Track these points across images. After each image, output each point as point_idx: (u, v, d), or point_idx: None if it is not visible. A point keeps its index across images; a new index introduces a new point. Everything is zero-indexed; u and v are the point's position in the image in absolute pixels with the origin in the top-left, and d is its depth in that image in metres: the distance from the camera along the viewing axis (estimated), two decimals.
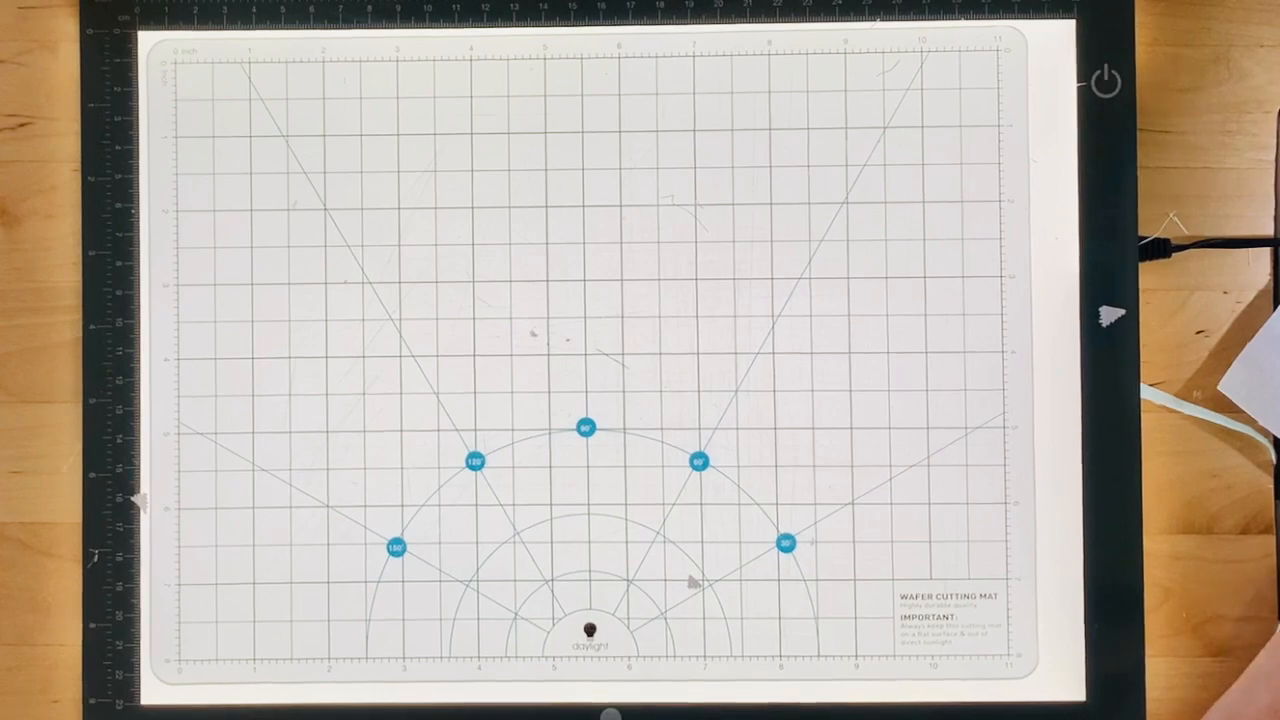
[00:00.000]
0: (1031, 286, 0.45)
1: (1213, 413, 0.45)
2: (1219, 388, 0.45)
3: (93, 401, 0.46)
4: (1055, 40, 0.45)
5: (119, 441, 0.46)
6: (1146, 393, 0.45)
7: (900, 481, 0.45)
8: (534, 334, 0.46)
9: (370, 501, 0.46)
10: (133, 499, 0.46)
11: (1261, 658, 0.42)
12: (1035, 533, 0.45)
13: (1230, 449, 0.46)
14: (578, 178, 0.46)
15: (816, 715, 0.45)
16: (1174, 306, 0.46)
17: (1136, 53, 0.45)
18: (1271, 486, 0.45)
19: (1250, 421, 0.45)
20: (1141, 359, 0.45)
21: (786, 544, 0.45)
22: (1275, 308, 0.45)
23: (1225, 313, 0.46)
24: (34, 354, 0.47)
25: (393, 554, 0.46)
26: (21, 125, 0.47)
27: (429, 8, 0.46)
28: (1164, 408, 0.45)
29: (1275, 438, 0.45)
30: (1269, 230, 0.46)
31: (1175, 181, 0.46)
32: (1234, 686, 0.42)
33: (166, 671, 0.46)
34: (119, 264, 0.46)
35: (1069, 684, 0.45)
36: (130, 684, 0.46)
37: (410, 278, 0.46)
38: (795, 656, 0.45)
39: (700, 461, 0.45)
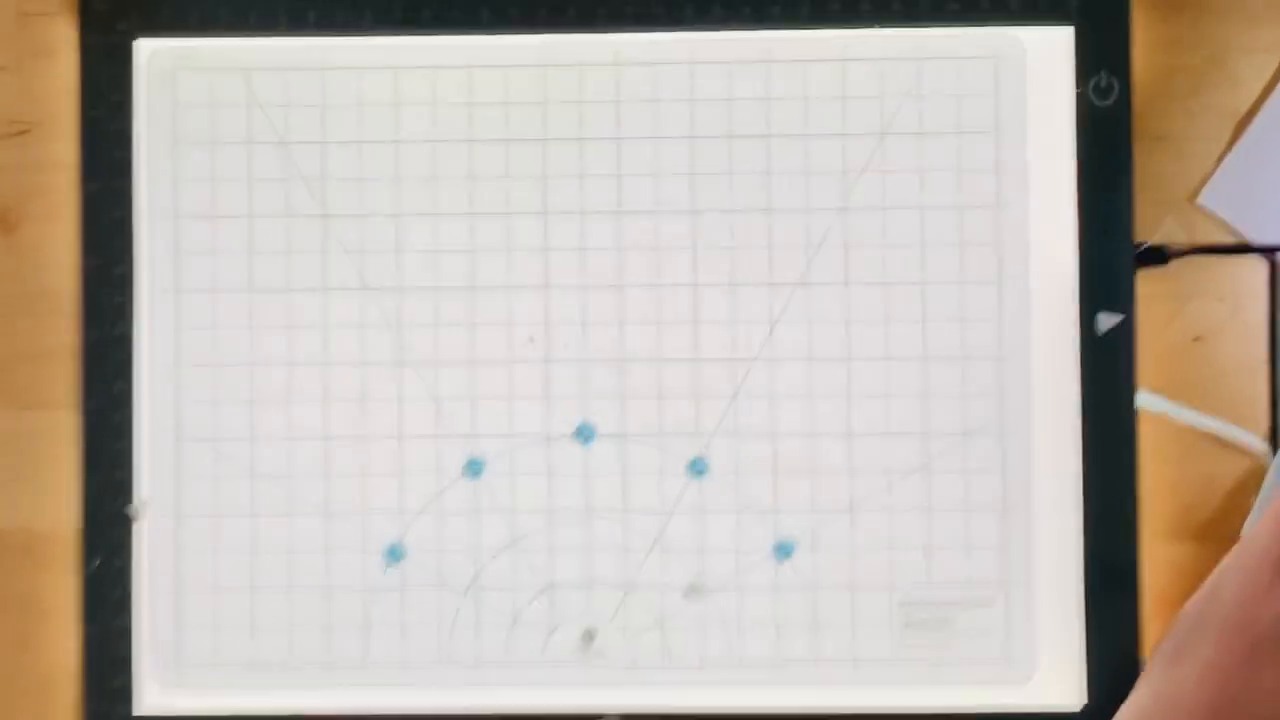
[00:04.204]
0: (1029, 292, 0.45)
1: (1209, 419, 0.45)
2: (1197, 202, 0.44)
3: (91, 407, 0.46)
4: (1052, 47, 0.46)
5: (117, 447, 0.46)
6: (1141, 399, 0.45)
7: (898, 487, 0.45)
8: (532, 340, 0.46)
9: (369, 508, 0.46)
10: (131, 505, 0.46)
11: (1227, 558, 0.41)
12: (1032, 538, 0.45)
13: (1227, 454, 0.46)
14: (576, 184, 0.46)
15: None
16: (1170, 313, 0.46)
17: (1133, 59, 0.45)
18: None
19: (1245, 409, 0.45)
20: (1137, 365, 0.45)
21: (785, 550, 0.45)
22: (1271, 317, 0.46)
23: (1221, 319, 0.46)
24: (32, 360, 0.47)
25: (391, 560, 0.46)
26: (20, 132, 0.47)
27: (427, 15, 0.46)
28: (1161, 414, 0.46)
29: (1273, 443, 0.45)
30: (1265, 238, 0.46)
31: (1172, 187, 0.46)
32: (1200, 590, 0.41)
33: (165, 677, 0.46)
34: (117, 270, 0.46)
35: (1067, 689, 0.45)
36: (129, 690, 0.46)
37: (408, 284, 0.46)
38: (793, 662, 0.46)
39: (699, 468, 0.46)
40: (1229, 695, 0.35)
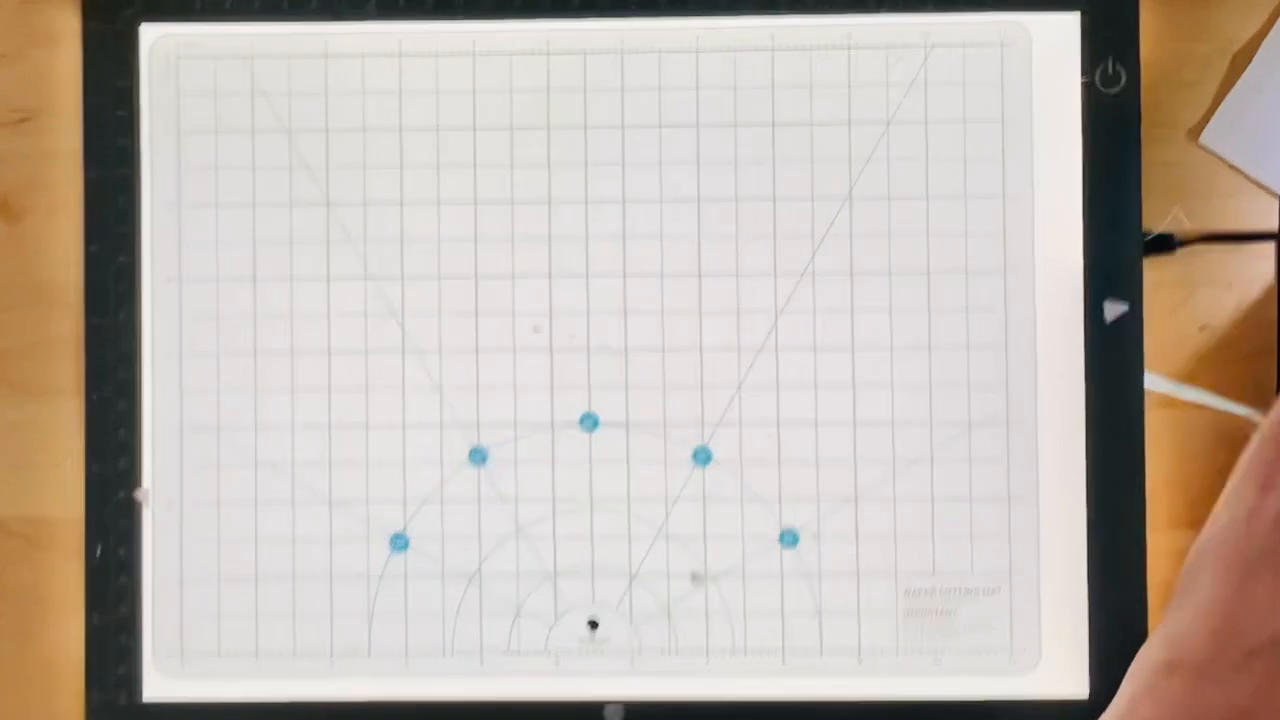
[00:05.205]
0: (1035, 281, 0.45)
1: (1213, 396, 0.45)
2: (1200, 142, 0.44)
3: (95, 396, 0.46)
4: (1059, 35, 0.45)
5: (121, 436, 0.46)
6: (1147, 381, 0.45)
7: (903, 477, 0.45)
8: (537, 329, 0.46)
9: (372, 496, 0.46)
10: (135, 494, 0.46)
11: (1230, 480, 0.40)
12: (1038, 528, 0.45)
13: (1234, 443, 0.46)
14: (580, 172, 0.46)
15: (819, 710, 0.45)
16: (1177, 301, 0.46)
17: (1141, 47, 0.45)
18: None
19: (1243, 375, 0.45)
20: (1145, 354, 0.45)
21: (789, 539, 0.45)
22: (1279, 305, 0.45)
23: (1228, 307, 0.46)
24: (35, 349, 0.47)
25: (395, 549, 0.46)
26: (22, 120, 0.47)
27: (431, 1, 0.46)
28: (1167, 403, 0.45)
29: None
30: (1273, 225, 0.46)
31: (1179, 176, 0.46)
32: (1212, 513, 0.40)
33: (169, 666, 0.46)
34: (121, 259, 0.46)
35: (1072, 679, 0.45)
36: (133, 678, 0.46)
37: (412, 273, 0.46)
38: (798, 651, 0.45)
39: (703, 456, 0.45)
40: (1227, 616, 0.34)
